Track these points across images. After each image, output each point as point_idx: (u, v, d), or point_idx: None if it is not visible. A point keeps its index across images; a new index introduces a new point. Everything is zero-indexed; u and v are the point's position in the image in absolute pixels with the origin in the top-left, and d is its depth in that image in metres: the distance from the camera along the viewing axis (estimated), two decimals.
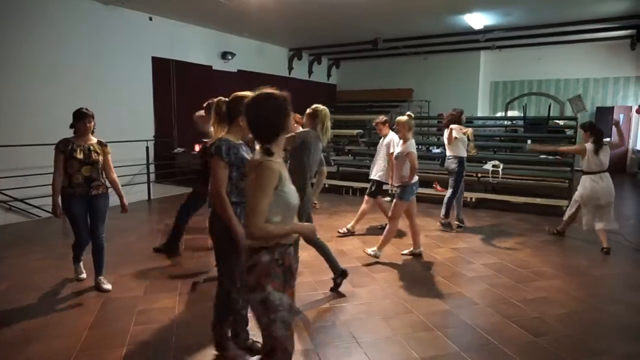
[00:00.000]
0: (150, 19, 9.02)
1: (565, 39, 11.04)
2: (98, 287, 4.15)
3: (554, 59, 12.57)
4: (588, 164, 5.53)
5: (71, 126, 4.02)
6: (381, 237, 5.13)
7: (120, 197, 4.18)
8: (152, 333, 3.35)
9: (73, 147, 3.96)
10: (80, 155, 3.96)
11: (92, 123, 4.06)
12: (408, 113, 5.27)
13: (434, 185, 8.46)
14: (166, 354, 3.05)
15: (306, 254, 5.20)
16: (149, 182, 8.86)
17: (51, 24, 7.35)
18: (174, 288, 4.21)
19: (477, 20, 9.28)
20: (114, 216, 4.49)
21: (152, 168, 9.03)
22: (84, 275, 4.42)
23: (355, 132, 10.96)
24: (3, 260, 5.00)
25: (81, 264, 4.43)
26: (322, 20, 9.43)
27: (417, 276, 4.64)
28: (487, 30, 10.09)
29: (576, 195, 5.77)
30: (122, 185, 4.32)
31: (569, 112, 12.10)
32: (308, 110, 4.10)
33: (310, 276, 4.56)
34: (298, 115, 6.56)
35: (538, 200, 7.78)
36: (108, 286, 4.16)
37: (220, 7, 8.11)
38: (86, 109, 4.03)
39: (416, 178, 5.13)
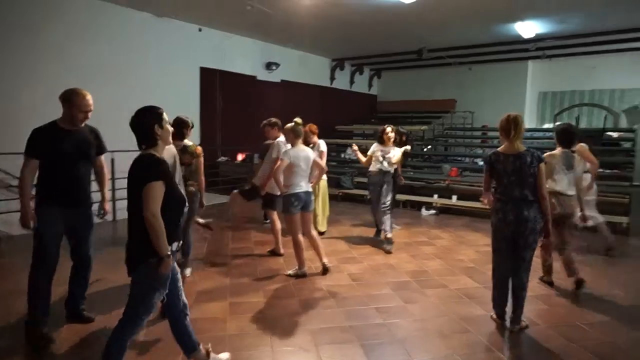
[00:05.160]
0: (200, 30, 9.26)
1: (623, 47, 10.51)
2: None
3: (608, 68, 11.97)
4: None
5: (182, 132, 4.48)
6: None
7: None
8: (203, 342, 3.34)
9: None
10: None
11: None
12: (295, 120, 4.87)
13: (481, 199, 8.17)
14: None
15: (355, 267, 5.13)
16: None
17: (106, 35, 7.66)
18: (222, 297, 4.21)
19: (528, 28, 8.99)
20: None
21: None
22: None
23: None
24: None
25: None
26: (367, 30, 9.40)
27: (470, 293, 4.45)
28: (538, 38, 9.77)
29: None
30: None
31: (623, 123, 11.50)
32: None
33: (360, 290, 4.45)
34: (314, 126, 6.46)
35: None
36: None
37: (266, 18, 8.22)
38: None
39: (298, 189, 4.56)
